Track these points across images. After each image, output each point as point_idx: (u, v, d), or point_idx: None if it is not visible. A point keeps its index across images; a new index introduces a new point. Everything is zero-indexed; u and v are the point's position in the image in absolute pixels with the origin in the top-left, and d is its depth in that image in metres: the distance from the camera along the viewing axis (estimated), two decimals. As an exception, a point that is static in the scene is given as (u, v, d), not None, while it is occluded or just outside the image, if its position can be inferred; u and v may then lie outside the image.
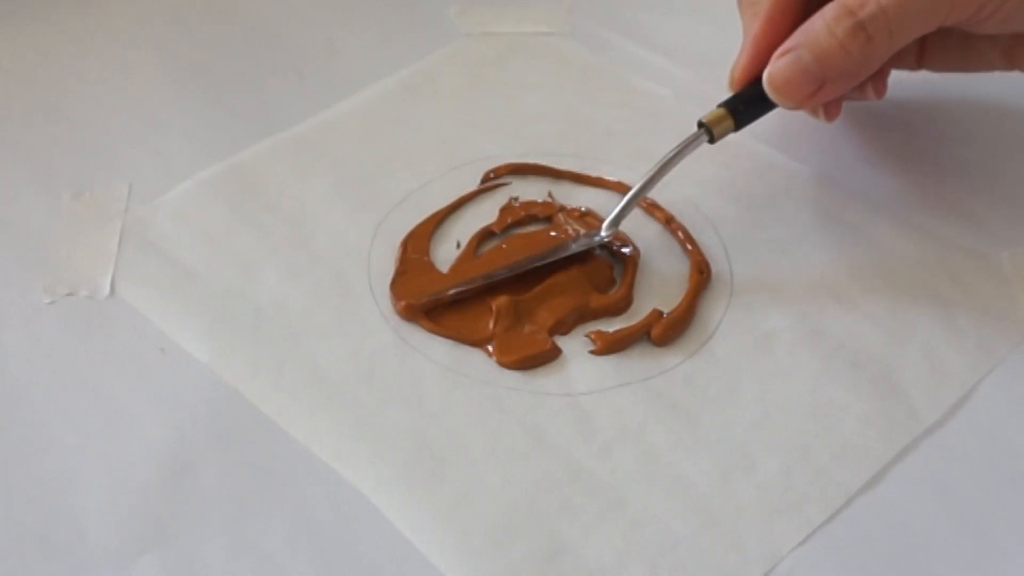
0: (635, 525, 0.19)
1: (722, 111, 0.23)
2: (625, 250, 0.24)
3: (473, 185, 0.26)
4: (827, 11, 0.21)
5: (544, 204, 0.25)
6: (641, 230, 0.24)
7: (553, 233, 0.24)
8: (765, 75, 0.22)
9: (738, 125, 0.23)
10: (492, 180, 0.26)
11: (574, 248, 0.23)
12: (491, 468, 0.20)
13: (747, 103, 0.23)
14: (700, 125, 0.23)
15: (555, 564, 0.19)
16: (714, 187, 0.25)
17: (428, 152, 0.26)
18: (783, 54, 0.22)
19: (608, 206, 0.25)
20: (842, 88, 0.22)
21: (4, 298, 0.23)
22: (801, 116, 0.25)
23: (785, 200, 0.25)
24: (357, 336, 0.22)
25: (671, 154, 0.23)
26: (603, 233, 0.23)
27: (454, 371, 0.22)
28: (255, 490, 0.20)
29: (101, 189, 0.26)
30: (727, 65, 0.30)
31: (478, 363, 0.22)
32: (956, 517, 0.19)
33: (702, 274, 0.23)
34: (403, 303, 0.22)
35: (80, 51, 0.30)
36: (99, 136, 0.27)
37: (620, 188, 0.26)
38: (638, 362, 0.22)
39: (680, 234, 0.24)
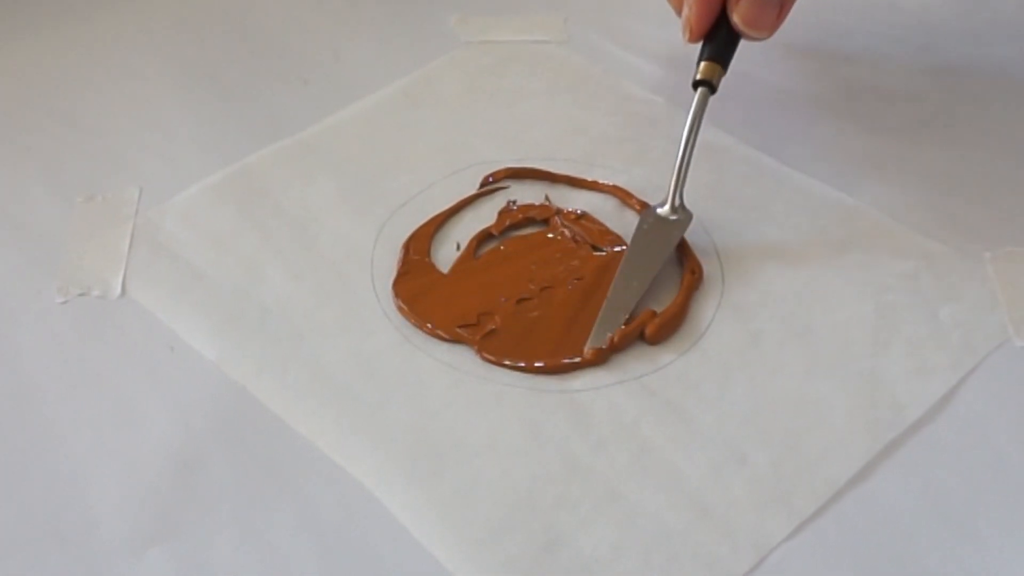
0: (630, 517, 0.19)
1: (706, 65, 0.24)
2: (617, 248, 0.24)
3: (472, 189, 0.26)
4: None
5: (541, 207, 0.26)
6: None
7: (550, 235, 0.25)
8: (734, 20, 0.24)
9: (724, 67, 0.25)
10: (491, 184, 0.26)
11: (673, 240, 0.24)
12: (490, 462, 0.20)
13: (721, 45, 0.25)
14: (696, 85, 0.24)
15: (552, 555, 0.19)
16: (706, 190, 0.26)
17: (429, 157, 0.27)
18: None
19: (603, 209, 0.26)
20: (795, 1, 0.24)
21: (19, 298, 0.24)
22: (789, 120, 0.26)
23: (775, 202, 0.26)
24: (360, 335, 0.23)
25: (692, 124, 0.24)
26: (671, 215, 0.24)
27: (454, 368, 0.22)
28: (261, 484, 0.20)
29: (112, 193, 0.26)
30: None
31: (477, 361, 0.22)
32: (940, 510, 0.20)
33: (694, 275, 0.24)
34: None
35: (91, 59, 0.30)
36: (110, 142, 0.27)
37: (615, 192, 0.26)
38: (632, 360, 0.22)
39: (674, 236, 0.25)
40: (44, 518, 0.20)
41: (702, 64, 0.25)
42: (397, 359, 0.22)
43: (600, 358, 0.22)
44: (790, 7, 0.24)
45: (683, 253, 0.24)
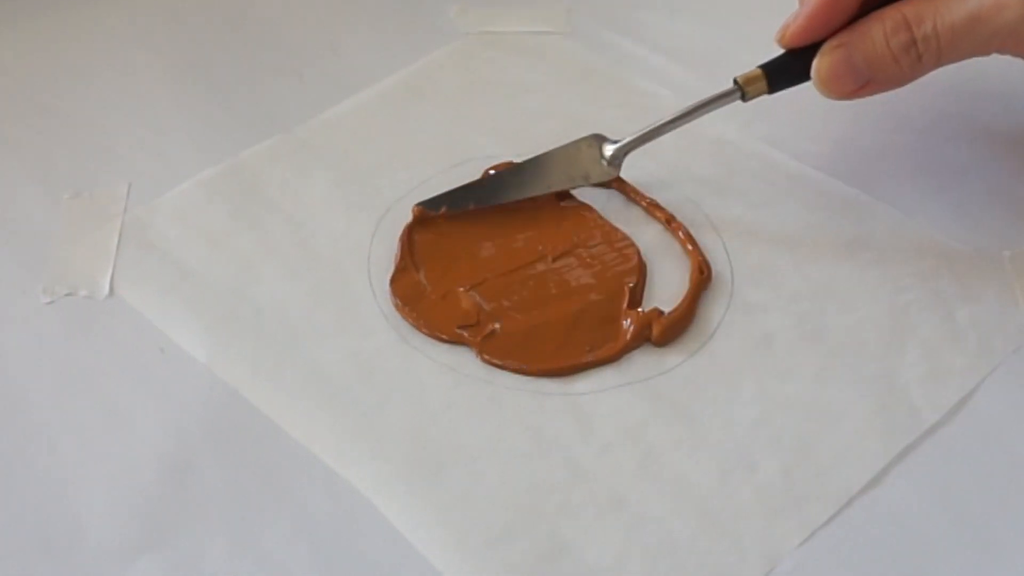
0: (634, 525, 0.19)
1: (759, 72, 0.23)
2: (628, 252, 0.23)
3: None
4: (887, 18, 0.22)
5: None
6: (641, 230, 0.24)
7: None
8: (814, 65, 0.23)
9: (772, 89, 0.23)
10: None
11: (581, 183, 0.23)
12: (491, 467, 0.20)
13: (784, 71, 0.23)
14: (735, 82, 0.23)
15: (554, 564, 0.19)
16: (715, 187, 0.25)
17: (428, 152, 0.26)
18: (836, 47, 0.22)
19: (608, 205, 0.25)
20: (885, 89, 0.23)
21: (3, 298, 0.23)
22: (802, 115, 0.25)
23: (786, 200, 0.25)
24: (357, 335, 0.22)
25: (702, 102, 0.23)
26: (606, 159, 0.23)
27: (454, 370, 0.22)
28: (255, 489, 0.20)
29: (100, 189, 0.26)
30: (727, 65, 0.30)
31: (477, 362, 0.22)
32: (957, 518, 0.19)
33: (702, 274, 0.23)
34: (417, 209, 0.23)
35: (80, 51, 0.30)
36: (98, 136, 0.27)
37: (619, 187, 0.26)
38: (638, 362, 0.22)
39: (680, 234, 0.24)
40: (30, 525, 0.19)
41: (755, 69, 0.23)
42: (395, 360, 0.22)
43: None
44: (875, 90, 0.23)
45: (691, 252, 0.24)
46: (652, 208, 0.25)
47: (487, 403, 0.21)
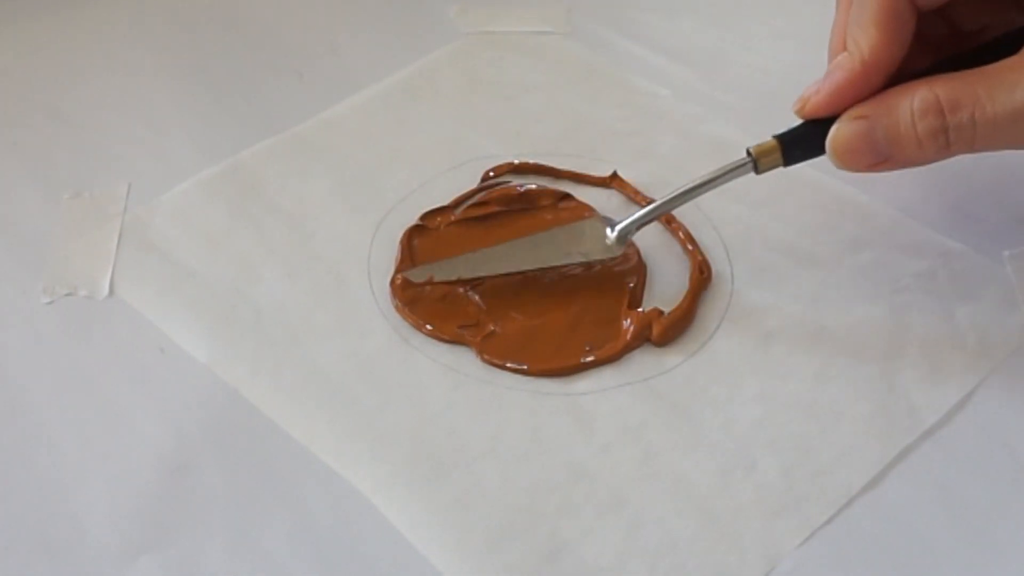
0: (635, 525, 0.19)
1: (773, 144, 0.21)
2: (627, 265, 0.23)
3: (473, 184, 0.26)
4: (917, 97, 0.20)
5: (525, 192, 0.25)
6: (642, 230, 0.24)
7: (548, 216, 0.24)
8: (831, 134, 0.21)
9: (787, 162, 0.22)
10: (492, 179, 0.26)
11: (579, 259, 0.23)
12: (491, 468, 0.20)
13: (802, 143, 0.21)
14: (748, 153, 0.21)
15: (554, 564, 0.19)
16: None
17: (428, 152, 0.26)
18: (856, 119, 0.20)
19: (609, 205, 0.25)
20: (904, 167, 0.21)
21: (3, 298, 0.23)
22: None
23: (786, 200, 0.25)
24: (357, 336, 0.22)
25: (709, 176, 0.22)
26: (612, 241, 0.22)
27: (454, 370, 0.22)
28: (255, 490, 0.20)
29: (100, 189, 0.26)
30: (727, 65, 0.30)
31: (477, 363, 0.22)
32: (957, 518, 0.19)
33: (702, 274, 0.23)
34: (399, 278, 0.22)
35: (79, 51, 0.30)
36: (98, 136, 0.27)
37: (619, 187, 0.25)
38: (638, 362, 0.22)
39: (681, 234, 0.24)
40: (30, 525, 0.19)
41: (770, 140, 0.21)
42: (395, 360, 0.22)
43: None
44: (893, 168, 0.20)
45: (691, 252, 0.24)
46: (652, 208, 0.25)
47: (487, 403, 0.21)
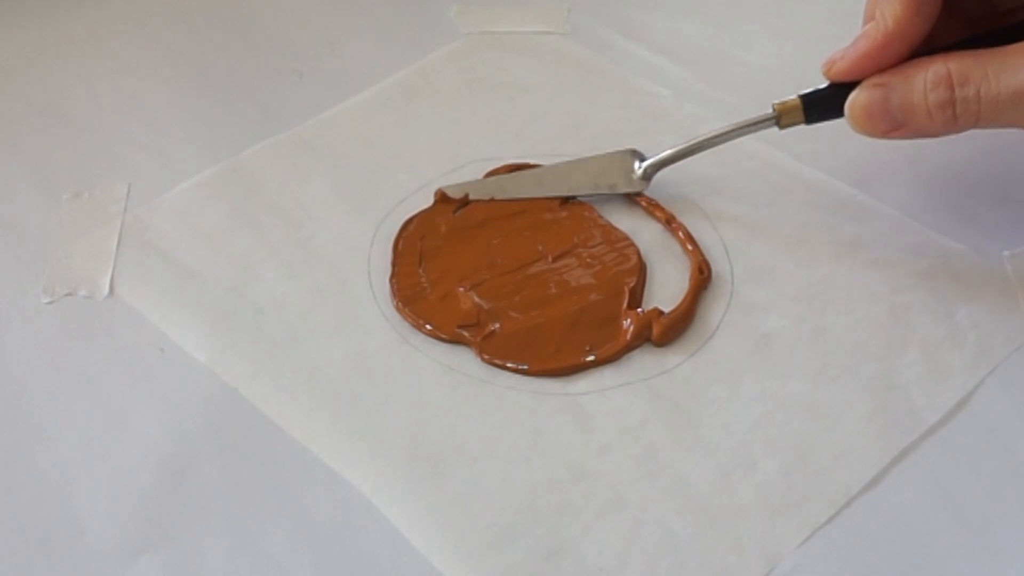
0: (635, 525, 0.19)
1: (796, 102, 0.23)
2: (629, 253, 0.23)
3: (473, 185, 0.26)
4: (931, 70, 0.21)
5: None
6: (641, 230, 0.24)
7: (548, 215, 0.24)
8: (849, 99, 0.22)
9: (808, 120, 0.23)
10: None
11: (605, 190, 0.24)
12: (491, 468, 0.20)
13: (823, 104, 0.22)
14: (773, 108, 0.23)
15: (554, 564, 0.19)
16: (715, 186, 0.25)
17: (428, 153, 0.26)
18: (875, 86, 0.21)
19: (608, 205, 0.25)
20: (918, 137, 0.22)
21: (3, 298, 0.23)
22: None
23: (786, 199, 0.25)
24: (357, 335, 0.22)
25: (734, 126, 0.23)
26: (639, 175, 0.24)
27: (454, 370, 0.22)
28: (255, 490, 0.20)
29: (100, 189, 0.26)
30: (726, 65, 0.30)
31: (477, 362, 0.22)
32: (957, 518, 0.19)
33: (702, 274, 0.23)
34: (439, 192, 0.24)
35: (80, 51, 0.30)
36: (98, 136, 0.27)
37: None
38: (638, 362, 0.22)
39: (681, 234, 0.24)
40: (30, 525, 0.19)
41: (793, 98, 0.22)
42: (395, 360, 0.22)
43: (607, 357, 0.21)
44: (908, 136, 0.21)
45: (691, 252, 0.24)
46: (652, 208, 0.25)
47: (487, 403, 0.21)
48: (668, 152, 0.24)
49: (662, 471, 0.20)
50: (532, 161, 0.26)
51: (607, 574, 0.18)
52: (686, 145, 0.24)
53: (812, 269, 0.24)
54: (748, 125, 0.23)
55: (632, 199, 0.25)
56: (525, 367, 0.22)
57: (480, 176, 0.26)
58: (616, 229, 0.24)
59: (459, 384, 0.21)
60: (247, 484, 0.20)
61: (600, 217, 0.25)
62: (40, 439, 0.20)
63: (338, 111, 0.28)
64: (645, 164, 0.24)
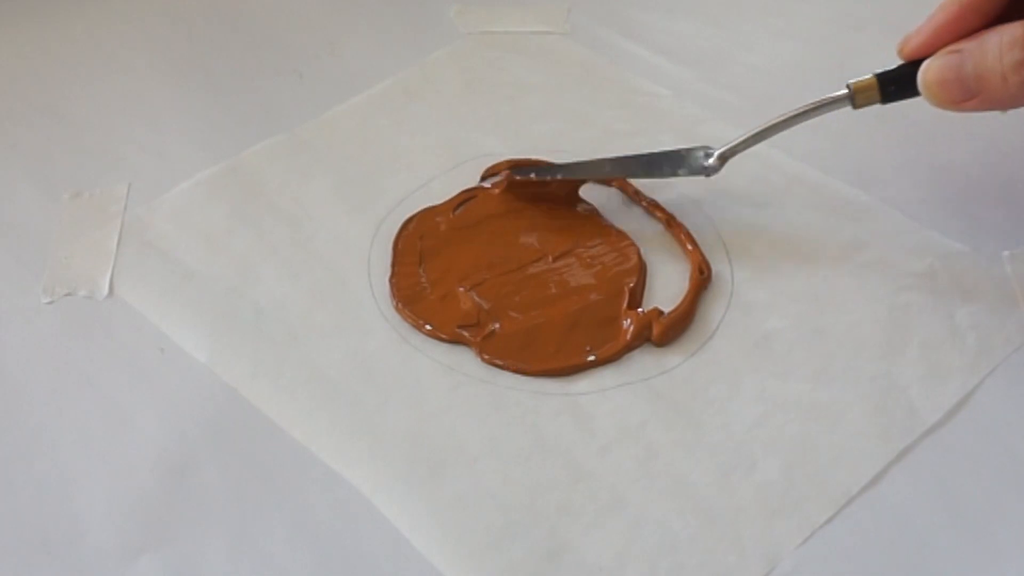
0: (635, 525, 0.19)
1: (872, 81, 0.22)
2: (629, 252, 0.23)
3: (473, 184, 0.26)
4: (1007, 32, 0.20)
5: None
6: (642, 230, 0.24)
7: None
8: (923, 67, 0.21)
9: (884, 99, 0.22)
10: (491, 177, 0.26)
11: (681, 174, 0.24)
12: (491, 468, 0.20)
13: (900, 82, 0.22)
14: (848, 87, 0.22)
15: (554, 564, 0.19)
16: (715, 187, 0.25)
17: (428, 152, 0.26)
18: (949, 52, 0.21)
19: (609, 205, 0.25)
20: (992, 108, 0.21)
21: (3, 298, 0.23)
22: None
23: (786, 200, 0.25)
24: (357, 336, 0.22)
25: (807, 107, 0.22)
26: (714, 161, 0.23)
27: (454, 370, 0.22)
28: (255, 490, 0.20)
29: (100, 189, 0.26)
30: (727, 65, 0.30)
31: (477, 362, 0.22)
32: (956, 517, 0.19)
33: (702, 274, 0.23)
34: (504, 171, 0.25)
35: (80, 52, 0.30)
36: (98, 136, 0.27)
37: (619, 186, 0.25)
38: (638, 362, 0.22)
39: (680, 234, 0.24)
40: (30, 525, 0.19)
41: (869, 76, 0.22)
42: (395, 360, 0.22)
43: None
44: (981, 107, 0.21)
45: (691, 252, 0.24)
46: (652, 208, 0.25)
47: (487, 403, 0.21)
48: (742, 137, 0.23)
49: (662, 471, 0.20)
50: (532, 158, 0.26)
51: (607, 574, 0.18)
52: (759, 129, 0.23)
53: (812, 269, 0.24)
54: (822, 105, 0.22)
55: (632, 200, 0.25)
56: (525, 367, 0.22)
57: (479, 175, 0.26)
58: (616, 229, 0.24)
59: (459, 384, 0.21)
60: (247, 484, 0.20)
61: (600, 217, 0.25)
62: (40, 439, 0.20)
63: (338, 111, 0.28)
64: (722, 150, 0.23)
